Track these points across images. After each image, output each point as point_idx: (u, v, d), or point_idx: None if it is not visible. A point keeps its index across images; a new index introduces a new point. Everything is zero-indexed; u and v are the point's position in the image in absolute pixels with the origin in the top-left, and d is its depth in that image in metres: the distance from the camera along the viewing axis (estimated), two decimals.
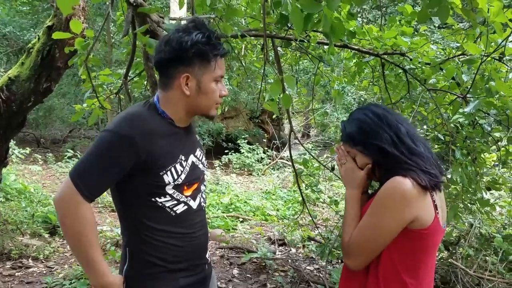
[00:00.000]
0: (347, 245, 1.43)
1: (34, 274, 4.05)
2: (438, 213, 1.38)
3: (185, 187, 1.51)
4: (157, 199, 1.46)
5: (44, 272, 4.12)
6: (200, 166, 1.60)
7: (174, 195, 1.48)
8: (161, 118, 1.50)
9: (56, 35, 2.65)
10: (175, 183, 1.47)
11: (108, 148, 1.40)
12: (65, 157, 9.53)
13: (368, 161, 1.49)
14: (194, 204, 1.55)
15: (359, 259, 1.41)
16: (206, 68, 1.47)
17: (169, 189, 1.46)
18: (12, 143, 8.66)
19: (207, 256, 1.65)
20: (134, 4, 2.42)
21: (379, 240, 1.37)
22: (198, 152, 1.61)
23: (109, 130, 1.42)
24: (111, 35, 10.80)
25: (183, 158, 1.50)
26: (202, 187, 1.62)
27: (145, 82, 3.40)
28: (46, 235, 4.91)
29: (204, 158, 1.66)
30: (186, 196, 1.52)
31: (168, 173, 1.45)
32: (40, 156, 9.80)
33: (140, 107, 1.51)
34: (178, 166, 1.48)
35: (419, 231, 1.35)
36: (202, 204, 1.61)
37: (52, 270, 4.17)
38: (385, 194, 1.35)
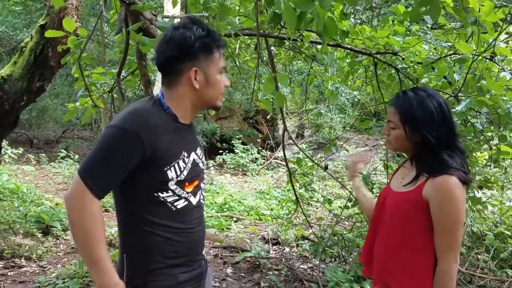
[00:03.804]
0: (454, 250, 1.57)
1: (27, 274, 4.03)
2: None
3: (187, 183, 1.52)
4: (160, 194, 1.47)
5: (37, 271, 4.11)
6: (200, 164, 1.62)
7: (176, 191, 1.49)
8: (166, 113, 1.51)
9: (49, 33, 2.65)
10: (178, 179, 1.48)
11: (114, 143, 1.40)
12: (58, 158, 9.48)
13: (403, 140, 1.67)
14: (194, 200, 1.56)
15: (458, 256, 1.60)
16: (211, 60, 1.51)
17: (172, 185, 1.47)
18: (4, 143, 8.61)
19: (203, 252, 1.67)
20: (127, 2, 2.42)
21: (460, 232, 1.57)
22: (198, 151, 1.62)
23: (114, 126, 1.42)
24: (105, 35, 10.76)
25: (185, 154, 1.52)
26: (202, 185, 1.64)
27: (138, 81, 3.40)
28: (39, 235, 4.89)
29: (204, 157, 1.68)
30: (188, 192, 1.53)
31: (172, 169, 1.46)
32: (33, 157, 9.75)
33: (145, 103, 1.52)
34: (181, 163, 1.49)
35: None
36: (201, 201, 1.63)
37: (45, 269, 4.15)
38: (450, 195, 1.54)
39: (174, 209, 1.50)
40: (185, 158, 1.51)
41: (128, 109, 1.47)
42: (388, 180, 1.95)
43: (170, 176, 1.46)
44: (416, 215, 1.60)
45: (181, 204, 1.51)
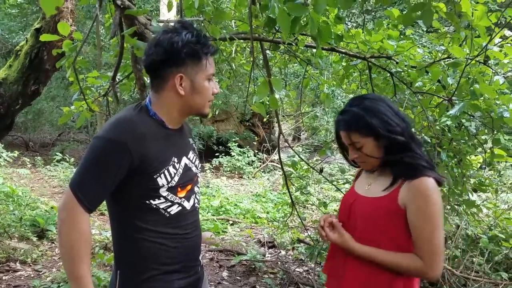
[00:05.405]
0: (430, 262, 1.48)
1: (22, 278, 4.01)
2: None
3: (179, 189, 1.51)
4: (151, 201, 1.46)
5: (32, 275, 4.09)
6: (193, 168, 1.60)
7: (168, 197, 1.48)
8: (152, 120, 1.50)
9: (44, 37, 2.65)
10: (169, 185, 1.47)
11: (101, 155, 1.39)
12: (54, 161, 9.45)
13: (375, 151, 1.57)
14: (188, 205, 1.55)
15: (441, 263, 1.51)
16: (198, 67, 1.48)
17: (163, 192, 1.47)
18: (0, 146, 8.58)
19: (200, 257, 1.65)
20: (122, 6, 2.43)
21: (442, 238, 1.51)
22: (191, 155, 1.61)
23: (101, 137, 1.41)
24: (101, 38, 10.76)
25: (175, 160, 1.50)
26: (196, 189, 1.62)
27: (134, 85, 3.40)
28: (34, 239, 4.87)
29: (197, 161, 1.66)
30: (180, 198, 1.52)
31: (162, 175, 1.45)
32: (28, 160, 9.69)
33: (131, 111, 1.51)
34: (171, 169, 1.48)
35: None
36: (196, 205, 1.61)
37: (40, 273, 4.14)
38: (428, 199, 1.48)
39: (168, 215, 1.49)
40: (175, 164, 1.50)
41: (114, 118, 1.46)
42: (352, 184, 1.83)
43: (160, 183, 1.45)
44: (394, 220, 1.52)
45: (174, 209, 1.50)
